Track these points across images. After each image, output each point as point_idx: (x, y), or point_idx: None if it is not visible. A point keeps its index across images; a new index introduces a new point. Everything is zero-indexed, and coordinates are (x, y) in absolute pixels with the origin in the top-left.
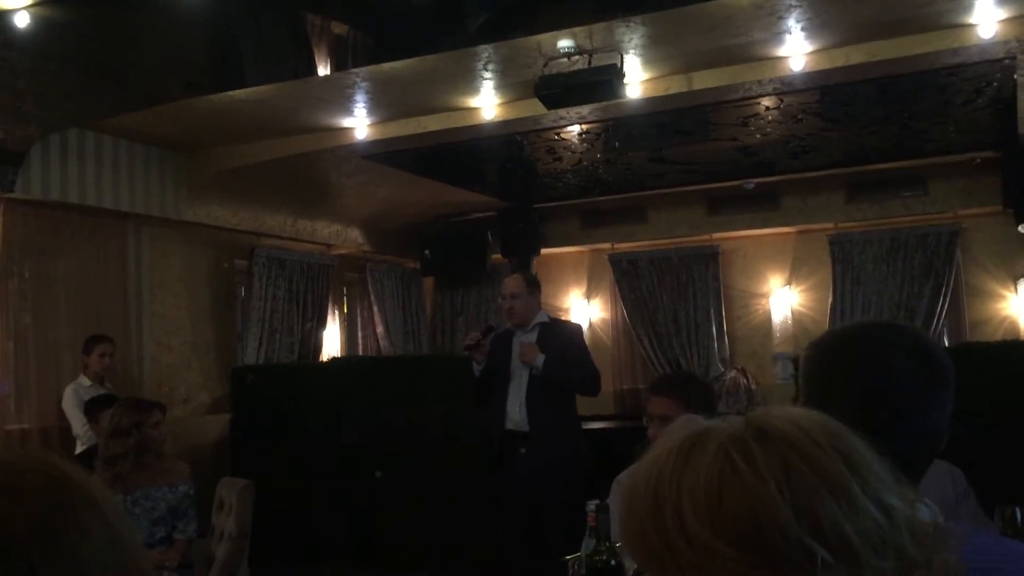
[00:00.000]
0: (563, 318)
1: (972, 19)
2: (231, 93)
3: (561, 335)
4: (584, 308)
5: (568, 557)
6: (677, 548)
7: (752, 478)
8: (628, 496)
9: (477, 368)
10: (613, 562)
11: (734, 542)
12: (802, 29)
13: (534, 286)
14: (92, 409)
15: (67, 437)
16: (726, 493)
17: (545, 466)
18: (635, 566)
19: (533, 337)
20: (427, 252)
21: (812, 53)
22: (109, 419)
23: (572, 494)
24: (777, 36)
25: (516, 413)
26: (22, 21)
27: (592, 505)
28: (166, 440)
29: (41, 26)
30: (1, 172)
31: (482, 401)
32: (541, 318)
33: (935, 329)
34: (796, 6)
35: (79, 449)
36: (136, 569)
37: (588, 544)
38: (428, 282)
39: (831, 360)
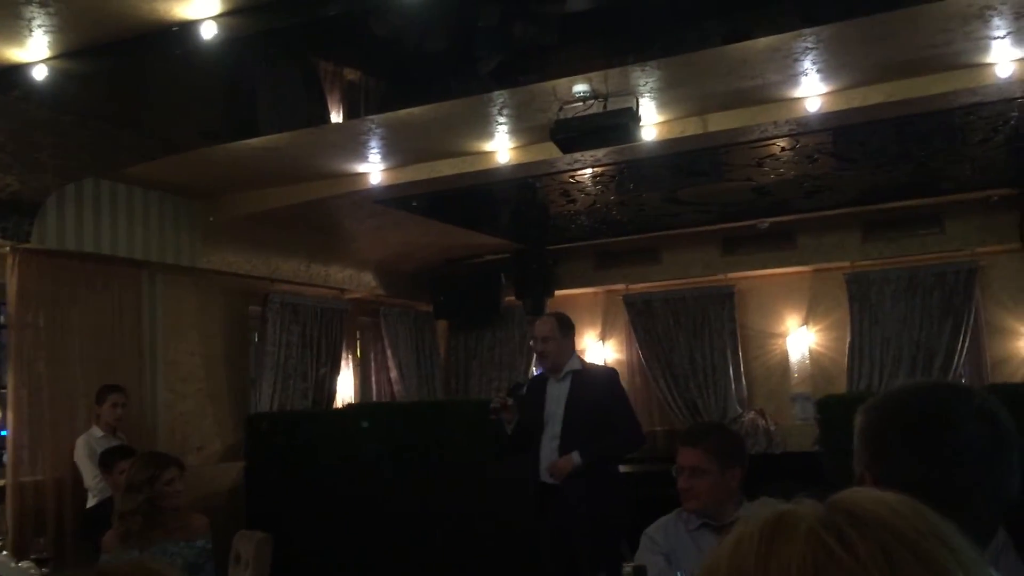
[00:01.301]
0: (594, 363)
1: (990, 59)
2: (245, 141)
3: (594, 384)
4: (599, 350)
5: None
6: None
7: (852, 564)
8: None
9: (508, 428)
10: None
11: None
12: (818, 71)
13: (567, 328)
14: (106, 460)
15: (80, 489)
16: None
17: (577, 517)
18: None
19: (565, 386)
20: (441, 297)
21: (828, 94)
22: (126, 473)
23: (607, 543)
24: (793, 78)
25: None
26: (40, 74)
27: (628, 568)
28: (182, 496)
29: (58, 78)
30: (17, 222)
31: (514, 454)
32: (574, 364)
33: (956, 369)
34: (812, 48)
35: (91, 502)
36: None
37: None
38: (441, 325)
39: (895, 426)
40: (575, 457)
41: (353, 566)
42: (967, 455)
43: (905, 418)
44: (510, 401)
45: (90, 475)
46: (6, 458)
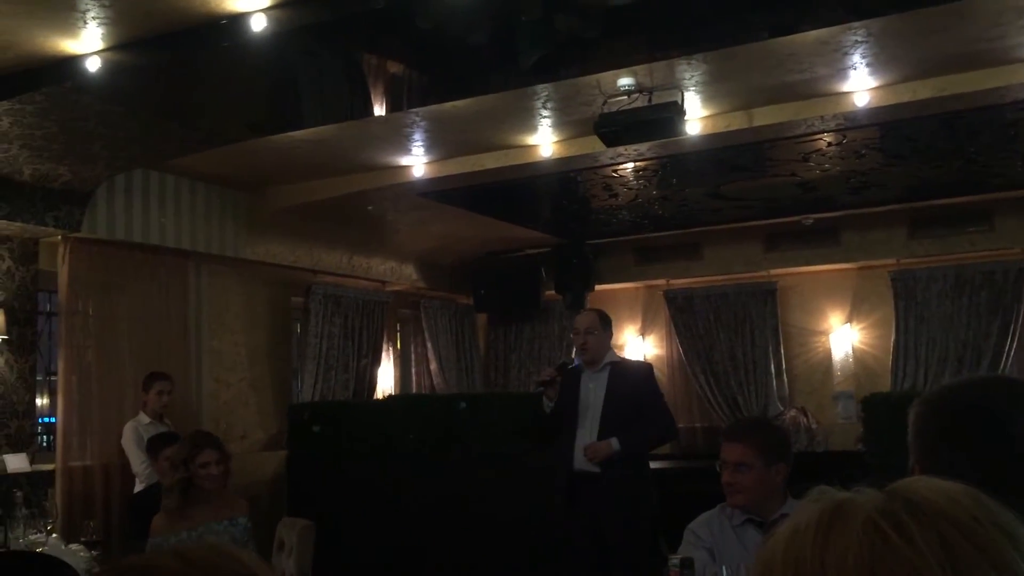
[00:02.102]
0: (629, 358)
1: None
2: (291, 133)
3: (631, 377)
4: (639, 345)
5: None
6: None
7: (909, 552)
8: (762, 574)
9: (548, 405)
10: None
11: None
12: (867, 65)
13: (607, 323)
14: (153, 447)
15: (128, 474)
16: (879, 568)
17: (612, 506)
18: None
19: (603, 378)
20: (481, 290)
21: (877, 88)
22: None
23: (638, 534)
24: (841, 72)
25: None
26: (93, 65)
27: (676, 560)
28: (218, 484)
29: (110, 70)
30: (68, 212)
31: (546, 440)
32: (611, 358)
33: (1003, 369)
34: (862, 42)
35: (138, 487)
36: None
37: None
38: (481, 319)
39: (943, 421)
40: (614, 443)
41: (392, 553)
42: (1015, 454)
43: (953, 413)
44: (558, 377)
45: (137, 461)
46: (55, 443)
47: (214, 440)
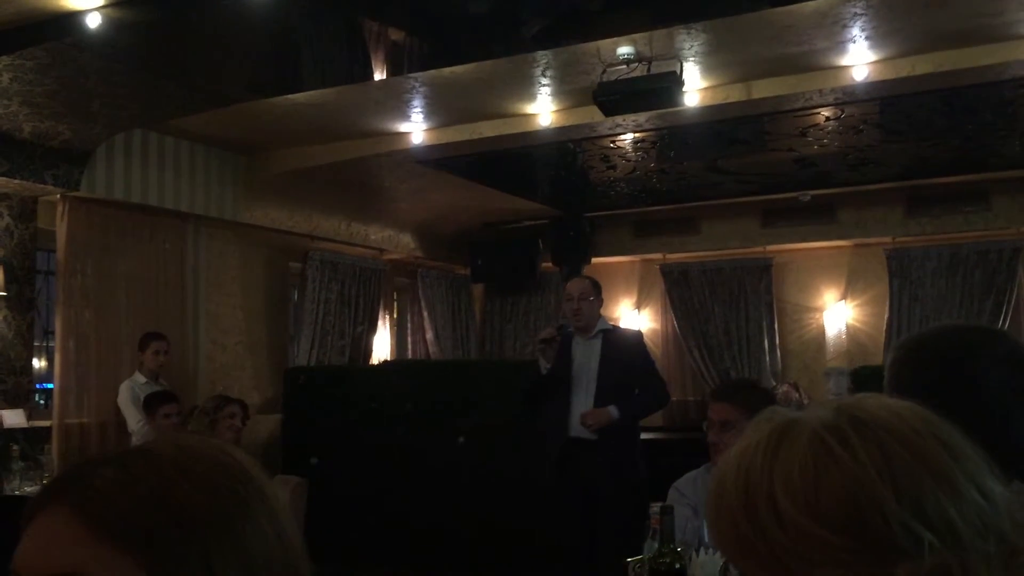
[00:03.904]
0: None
1: None
2: (290, 96)
3: (624, 344)
4: (634, 318)
5: (629, 560)
6: (773, 538)
7: (851, 463)
8: (716, 489)
9: (544, 366)
10: (677, 565)
11: (834, 528)
12: (866, 38)
13: (599, 290)
14: (150, 404)
15: (124, 432)
16: (823, 479)
17: (605, 472)
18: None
19: (596, 344)
20: (478, 260)
21: (876, 63)
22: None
23: (628, 500)
24: (840, 45)
25: None
26: (93, 22)
27: (656, 507)
28: (234, 435)
29: (111, 27)
30: (67, 170)
31: (536, 403)
32: (603, 325)
33: None
34: (861, 15)
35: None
36: (297, 570)
37: (651, 547)
38: (478, 289)
39: (916, 366)
40: (613, 411)
41: (385, 516)
42: (986, 401)
43: (925, 359)
44: (557, 336)
45: (133, 419)
46: (52, 403)
47: (239, 400)
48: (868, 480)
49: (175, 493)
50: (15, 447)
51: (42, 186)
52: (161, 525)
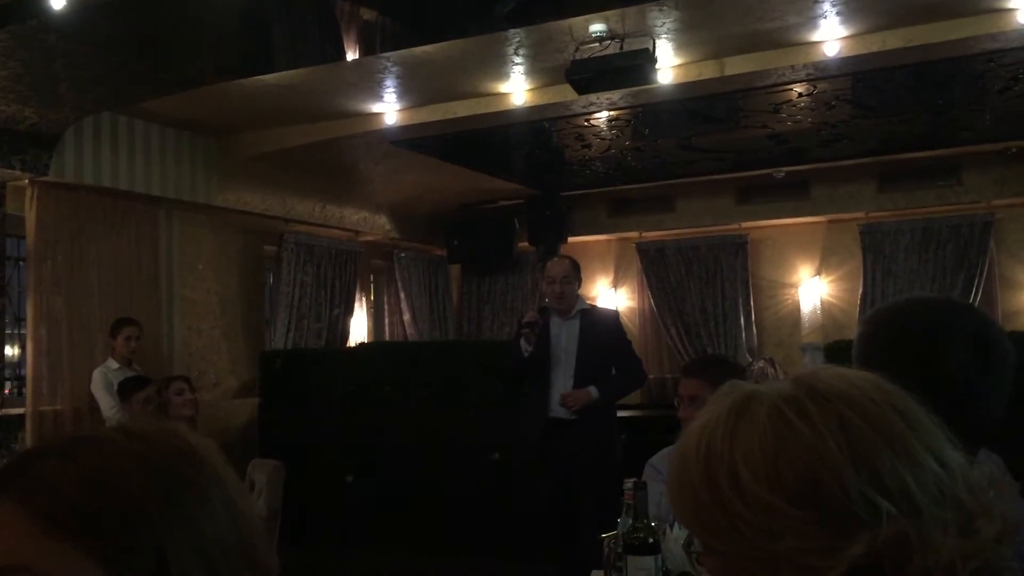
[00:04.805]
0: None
1: (1011, 3)
2: (262, 78)
3: (602, 324)
4: (611, 297)
5: (604, 535)
6: (734, 510)
7: (810, 435)
8: (678, 463)
9: (527, 348)
10: (651, 540)
11: (794, 500)
12: (837, 13)
13: (578, 270)
14: (126, 389)
15: (98, 418)
16: (783, 452)
17: (584, 451)
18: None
19: (575, 325)
20: (455, 241)
21: (847, 38)
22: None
23: (606, 477)
24: (812, 20)
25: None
26: (58, 3)
27: (630, 483)
28: (192, 410)
29: (77, 8)
30: (35, 155)
31: (520, 384)
32: (581, 305)
33: None
34: None
35: None
36: (254, 553)
37: (625, 522)
38: (455, 270)
39: (887, 337)
40: (593, 391)
41: (364, 498)
42: (953, 375)
43: (894, 332)
44: (540, 320)
45: (107, 405)
46: (25, 391)
47: (180, 376)
48: (826, 451)
49: (122, 480)
50: None
51: (9, 171)
52: (108, 513)
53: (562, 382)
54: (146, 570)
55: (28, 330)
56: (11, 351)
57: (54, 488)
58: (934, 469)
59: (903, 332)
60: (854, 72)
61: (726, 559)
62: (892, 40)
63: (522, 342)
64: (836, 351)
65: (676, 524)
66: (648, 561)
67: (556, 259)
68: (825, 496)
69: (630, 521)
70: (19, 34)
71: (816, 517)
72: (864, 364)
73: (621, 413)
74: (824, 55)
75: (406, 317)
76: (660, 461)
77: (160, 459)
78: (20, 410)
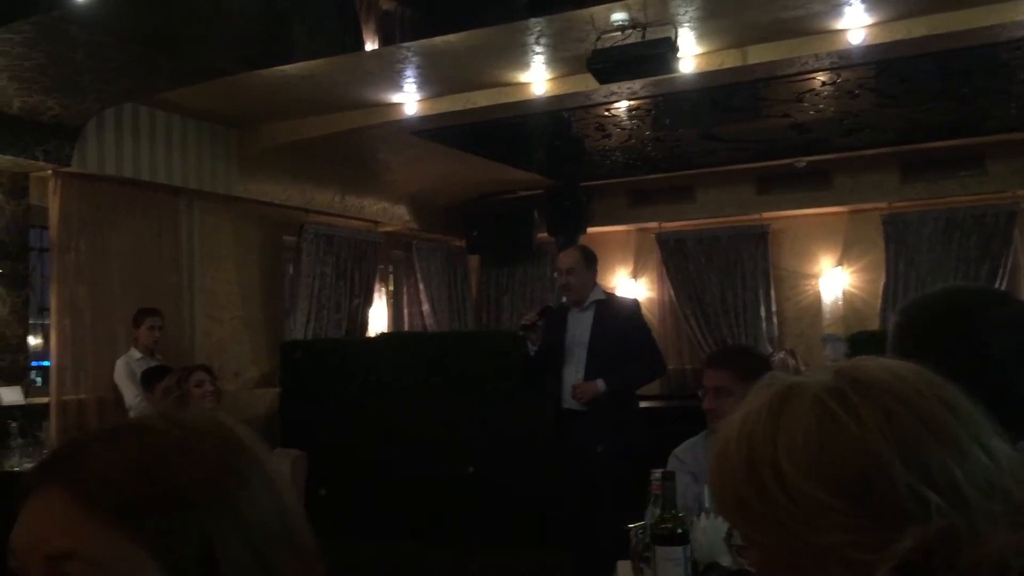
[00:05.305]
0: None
1: None
2: (282, 68)
3: (618, 314)
4: (631, 287)
5: (631, 525)
6: (777, 504)
7: (855, 427)
8: (719, 456)
9: (532, 348)
10: (680, 530)
11: (840, 493)
12: (862, 1)
13: (591, 260)
14: (148, 379)
15: (122, 408)
16: (827, 444)
17: (598, 441)
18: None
19: (589, 316)
20: (474, 232)
21: (872, 26)
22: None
23: (623, 469)
24: (836, 8)
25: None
26: None
27: (658, 473)
28: (213, 401)
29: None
30: (58, 146)
31: (536, 376)
32: (597, 295)
33: None
34: None
35: None
36: (296, 539)
37: (652, 513)
38: (474, 260)
39: (923, 325)
40: (600, 384)
41: (384, 487)
42: (991, 362)
43: (929, 322)
44: (540, 321)
45: (131, 395)
46: (49, 380)
47: (201, 365)
48: (873, 443)
49: (167, 467)
50: (13, 424)
51: (33, 162)
52: (154, 500)
53: (573, 374)
54: (192, 555)
55: (52, 320)
56: (33, 341)
57: (101, 475)
58: (982, 460)
59: (940, 320)
60: (878, 60)
61: (770, 552)
62: (917, 28)
63: (528, 343)
64: (859, 342)
65: (703, 514)
66: (677, 551)
67: (567, 250)
68: (872, 489)
69: (657, 511)
70: (42, 25)
71: (863, 510)
72: (900, 353)
73: (641, 404)
74: (848, 43)
75: (425, 308)
76: (685, 451)
77: (204, 446)
78: (45, 399)
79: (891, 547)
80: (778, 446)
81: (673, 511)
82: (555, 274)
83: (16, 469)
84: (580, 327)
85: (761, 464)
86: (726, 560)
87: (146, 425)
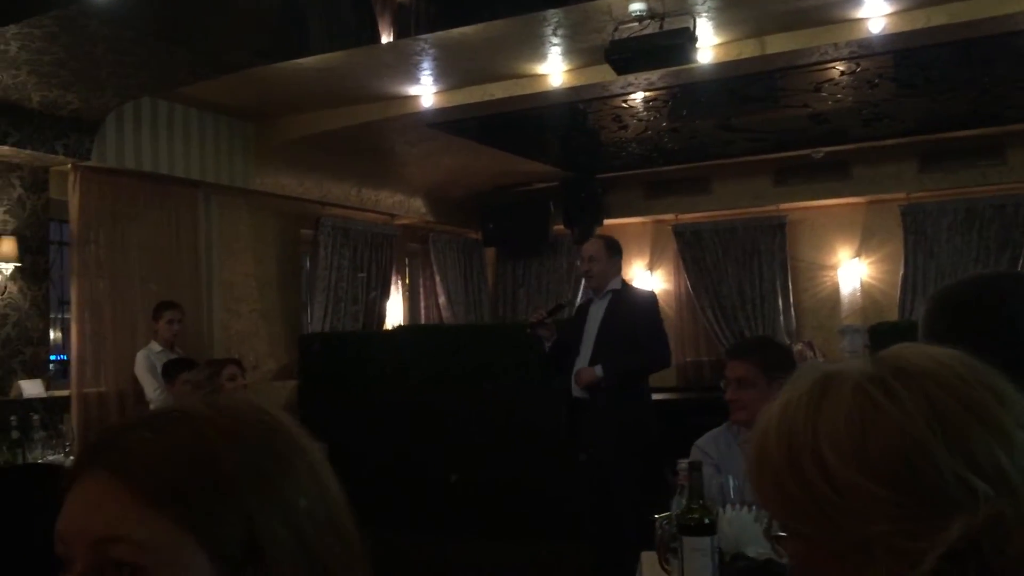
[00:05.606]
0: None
1: None
2: (298, 61)
3: (632, 305)
4: (647, 279)
5: (657, 516)
6: (821, 494)
7: (898, 414)
8: (758, 447)
9: (546, 344)
10: (707, 520)
11: (885, 481)
12: None
13: (614, 250)
14: (169, 372)
15: (142, 401)
16: (871, 432)
17: (605, 431)
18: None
19: (603, 304)
20: (490, 224)
21: (891, 15)
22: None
23: (637, 459)
24: None
25: None
26: None
27: (684, 463)
28: (245, 392)
29: None
30: (78, 140)
31: (553, 371)
32: (615, 284)
33: None
34: None
35: None
36: (341, 526)
37: (679, 503)
38: (490, 253)
39: (955, 311)
40: (597, 370)
41: (401, 479)
42: (1019, 349)
43: (960, 308)
44: (548, 319)
45: (151, 387)
46: (70, 373)
47: (232, 359)
48: (917, 430)
49: (212, 452)
50: (35, 416)
51: (53, 156)
52: (199, 484)
53: (582, 362)
54: (238, 541)
55: (72, 313)
56: (53, 334)
57: (148, 461)
58: None
59: (970, 305)
60: (898, 50)
61: (812, 543)
62: (937, 16)
63: (542, 340)
64: (880, 333)
65: (728, 505)
66: (705, 542)
67: (591, 238)
68: (917, 477)
69: (684, 502)
70: (62, 20)
71: (908, 499)
72: (933, 339)
73: (655, 397)
74: (868, 32)
75: (441, 300)
76: (707, 442)
77: (249, 433)
78: (65, 392)
79: (939, 535)
80: (820, 435)
81: (700, 501)
82: (580, 263)
83: (39, 461)
84: (595, 317)
85: (802, 453)
86: (752, 551)
87: (191, 411)
